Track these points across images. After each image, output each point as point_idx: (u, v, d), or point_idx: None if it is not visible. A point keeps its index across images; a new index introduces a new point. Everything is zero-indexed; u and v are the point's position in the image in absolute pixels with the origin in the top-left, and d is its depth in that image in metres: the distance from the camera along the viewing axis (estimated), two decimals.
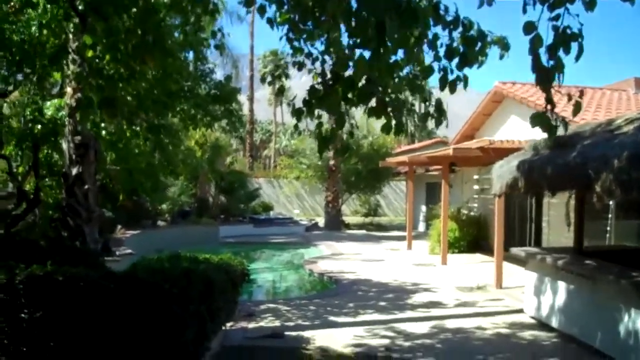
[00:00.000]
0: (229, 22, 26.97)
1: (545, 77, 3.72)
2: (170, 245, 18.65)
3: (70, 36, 7.72)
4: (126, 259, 11.59)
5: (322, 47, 4.95)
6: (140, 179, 8.93)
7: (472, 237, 17.08)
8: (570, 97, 3.95)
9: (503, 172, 8.44)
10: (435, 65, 4.41)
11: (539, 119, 3.86)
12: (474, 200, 18.90)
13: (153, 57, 5.18)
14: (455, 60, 4.33)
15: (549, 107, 3.90)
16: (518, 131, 14.44)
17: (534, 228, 15.01)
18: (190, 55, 9.03)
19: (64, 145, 8.59)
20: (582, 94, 4.03)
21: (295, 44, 5.03)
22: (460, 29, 4.32)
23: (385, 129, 4.59)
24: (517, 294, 10.89)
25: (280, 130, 71.94)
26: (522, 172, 7.82)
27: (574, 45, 3.68)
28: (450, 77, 4.35)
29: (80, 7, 5.26)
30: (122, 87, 5.34)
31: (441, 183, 24.66)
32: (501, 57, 5.05)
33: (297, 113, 5.44)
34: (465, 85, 4.44)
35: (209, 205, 24.89)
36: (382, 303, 9.94)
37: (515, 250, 9.42)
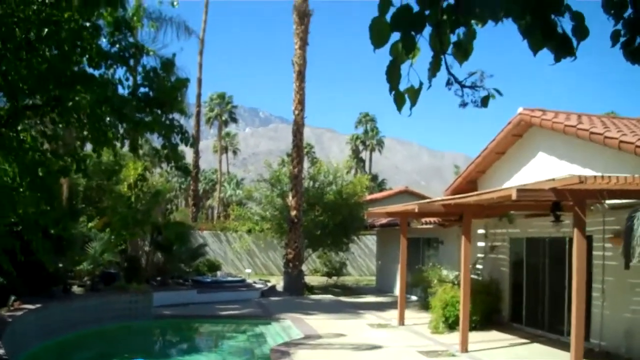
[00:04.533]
0: (175, 37, 20.53)
1: None
2: (85, 324, 13.93)
3: None
4: None
5: None
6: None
7: (486, 310, 13.23)
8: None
9: None
10: None
11: None
12: (478, 262, 15.16)
13: None
14: None
15: None
16: (548, 173, 10.82)
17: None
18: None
19: None
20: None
21: None
22: None
23: None
24: None
25: (225, 180, 67.61)
26: None
27: None
28: None
29: None
30: None
31: (425, 239, 21.18)
32: None
33: (411, 24, 2.19)
34: None
35: (141, 266, 19.93)
36: None
37: None
